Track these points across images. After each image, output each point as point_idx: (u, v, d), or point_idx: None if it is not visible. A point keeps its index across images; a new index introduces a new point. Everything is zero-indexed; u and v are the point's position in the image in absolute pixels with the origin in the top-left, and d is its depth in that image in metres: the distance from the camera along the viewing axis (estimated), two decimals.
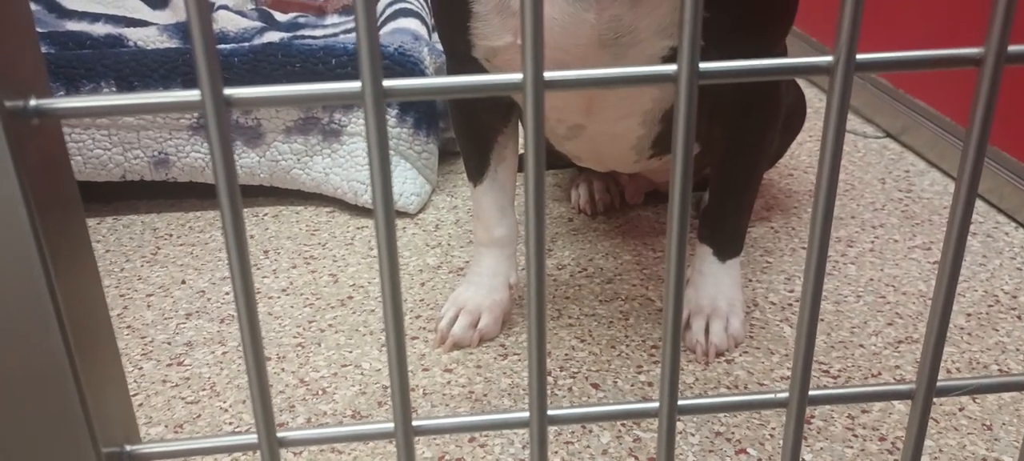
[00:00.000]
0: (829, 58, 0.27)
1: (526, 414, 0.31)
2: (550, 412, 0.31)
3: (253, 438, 0.30)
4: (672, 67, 0.27)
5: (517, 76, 0.26)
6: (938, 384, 0.32)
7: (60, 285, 0.28)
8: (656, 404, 0.32)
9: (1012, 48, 0.27)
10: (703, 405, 0.32)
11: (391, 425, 0.30)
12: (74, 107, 0.25)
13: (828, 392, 0.33)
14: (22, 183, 0.25)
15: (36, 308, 0.27)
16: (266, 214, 1.09)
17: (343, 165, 1.07)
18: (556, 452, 0.68)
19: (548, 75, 0.26)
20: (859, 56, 0.27)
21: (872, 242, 1.01)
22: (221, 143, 0.25)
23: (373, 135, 0.26)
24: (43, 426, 0.29)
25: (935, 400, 0.74)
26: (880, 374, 0.77)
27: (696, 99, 0.27)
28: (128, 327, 0.86)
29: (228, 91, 0.25)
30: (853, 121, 1.37)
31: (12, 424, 0.29)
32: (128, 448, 0.31)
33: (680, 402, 0.31)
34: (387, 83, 0.26)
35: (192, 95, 0.25)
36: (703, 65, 0.26)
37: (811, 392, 0.32)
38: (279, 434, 0.30)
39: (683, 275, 0.30)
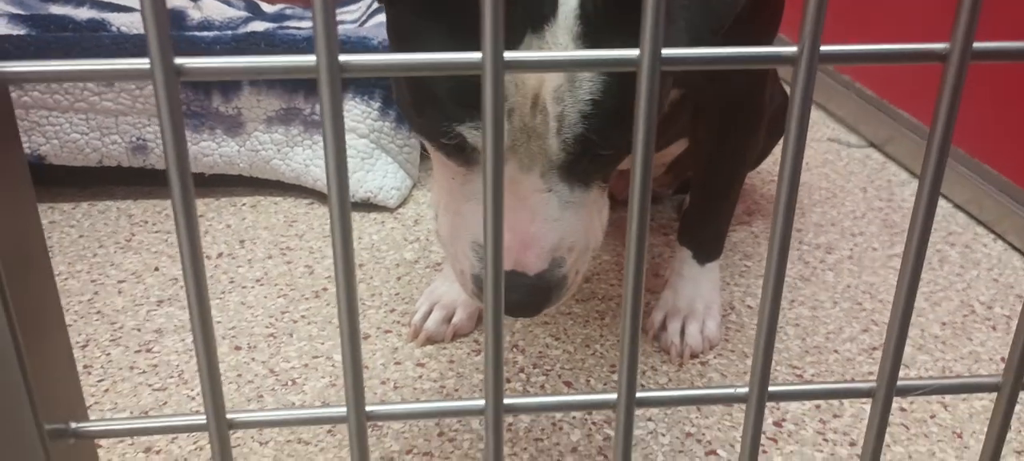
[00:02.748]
0: (794, 48, 0.27)
1: (482, 402, 0.31)
2: (506, 401, 0.31)
3: (202, 419, 0.29)
4: (635, 52, 0.26)
5: (477, 55, 0.26)
6: (899, 384, 0.32)
7: (4, 264, 0.27)
8: (614, 396, 0.31)
9: (977, 45, 0.27)
10: (662, 398, 0.32)
11: (344, 410, 0.30)
12: (20, 72, 0.25)
13: (789, 388, 0.32)
14: None
15: None
16: (244, 204, 1.08)
17: (323, 157, 1.06)
18: (525, 448, 0.68)
19: (507, 55, 0.26)
20: (823, 47, 0.26)
21: (851, 249, 1.01)
22: (171, 115, 0.25)
23: (327, 111, 0.25)
24: None
25: (906, 407, 0.74)
26: (853, 380, 0.77)
27: (658, 85, 0.26)
28: (98, 313, 0.85)
29: (179, 60, 0.25)
30: (837, 130, 1.37)
31: None
32: (74, 425, 0.30)
33: (638, 394, 0.31)
34: (343, 58, 0.25)
35: (142, 63, 0.25)
36: (666, 51, 0.26)
37: (772, 388, 0.32)
38: (228, 416, 0.29)
39: (643, 263, 0.29)
